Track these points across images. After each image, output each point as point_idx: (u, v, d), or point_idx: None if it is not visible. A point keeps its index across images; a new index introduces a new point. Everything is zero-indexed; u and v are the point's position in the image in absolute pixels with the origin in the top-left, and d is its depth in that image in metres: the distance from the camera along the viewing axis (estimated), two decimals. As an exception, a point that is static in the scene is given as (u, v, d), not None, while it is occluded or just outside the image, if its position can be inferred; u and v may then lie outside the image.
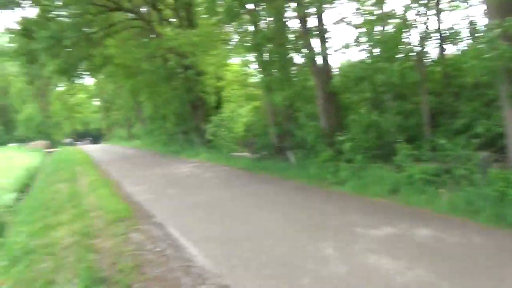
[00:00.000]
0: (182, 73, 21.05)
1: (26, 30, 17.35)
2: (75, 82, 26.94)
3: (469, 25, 10.33)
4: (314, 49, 10.97)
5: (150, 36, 21.98)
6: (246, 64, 17.38)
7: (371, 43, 9.41)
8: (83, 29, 17.79)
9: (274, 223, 6.17)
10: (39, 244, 6.27)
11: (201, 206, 7.73)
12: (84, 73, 21.95)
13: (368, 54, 10.34)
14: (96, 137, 71.22)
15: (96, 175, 13.69)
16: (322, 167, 9.58)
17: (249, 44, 12.22)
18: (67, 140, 61.84)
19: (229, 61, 20.40)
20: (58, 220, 7.64)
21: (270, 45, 11.66)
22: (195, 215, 7.04)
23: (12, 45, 20.31)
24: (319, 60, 11.34)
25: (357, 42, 9.66)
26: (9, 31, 18.84)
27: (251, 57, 15.40)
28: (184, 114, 21.83)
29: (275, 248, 5.09)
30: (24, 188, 15.41)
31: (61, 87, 62.84)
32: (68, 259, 5.39)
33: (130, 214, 7.42)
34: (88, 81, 64.39)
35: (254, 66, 16.22)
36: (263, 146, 14.15)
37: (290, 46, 11.66)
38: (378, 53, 9.76)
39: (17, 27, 18.19)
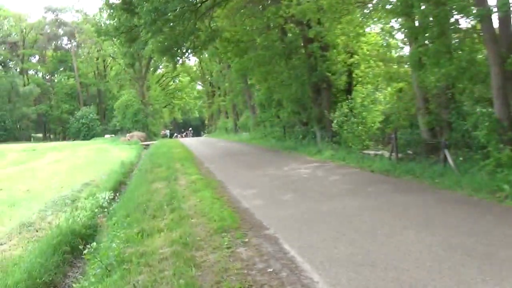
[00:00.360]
0: (303, 48, 21.28)
1: (127, 4, 19.00)
2: (177, 62, 29.05)
3: None
4: (489, 6, 10.07)
5: (266, 2, 22.57)
6: (388, 33, 16.76)
7: None
8: (188, -2, 18.97)
9: (425, 249, 5.85)
10: (134, 252, 6.95)
11: (325, 218, 7.72)
12: (187, 51, 23.41)
13: None
14: (196, 129, 76.62)
15: (197, 174, 14.69)
16: (495, 174, 8.80)
17: (394, 6, 11.78)
18: (165, 132, 67.53)
19: (365, 30, 19.94)
20: (155, 225, 8.38)
21: (424, 5, 11.05)
22: (317, 229, 7.05)
23: (111, 22, 22.52)
24: (495, 22, 10.43)
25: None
26: (109, 6, 20.78)
27: (396, 23, 14.78)
28: (304, 100, 22.10)
29: (429, 285, 4.81)
30: (119, 186, 17.30)
31: (160, 69, 69.11)
32: (166, 272, 5.86)
33: (236, 223, 7.76)
34: (191, 62, 69.93)
35: (400, 36, 15.58)
36: (407, 142, 13.61)
37: (454, 4, 10.86)
38: None
39: (118, 1, 20.04)
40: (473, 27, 11.73)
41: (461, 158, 11.07)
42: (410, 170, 11.57)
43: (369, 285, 4.85)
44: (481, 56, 11.79)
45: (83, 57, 74.34)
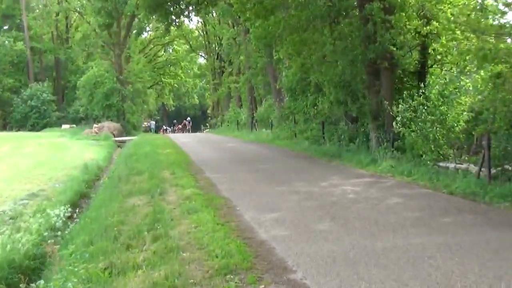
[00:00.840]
0: (358, 9, 21.16)
1: None
2: (172, 23, 29.07)
3: None
4: None
5: None
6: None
7: None
8: None
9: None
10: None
11: (379, 260, 7.64)
12: (187, 8, 23.34)
13: None
14: (194, 121, 76.63)
15: (193, 186, 14.72)
16: None
17: None
18: (149, 123, 67.89)
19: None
20: (129, 259, 8.38)
21: None
22: (368, 277, 6.97)
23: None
24: None
25: None
26: None
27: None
28: (354, 86, 21.93)
29: None
30: (79, 200, 17.41)
31: (147, 33, 69.57)
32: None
33: (248, 261, 7.72)
34: (192, 24, 70.32)
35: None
36: (507, 153, 13.40)
37: None
38: None
39: None
40: None
41: None
42: (509, 195, 11.39)
43: None
44: None
45: (37, 11, 74.22)
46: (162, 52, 77.54)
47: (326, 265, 7.54)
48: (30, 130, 56.74)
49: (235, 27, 48.50)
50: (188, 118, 71.49)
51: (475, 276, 6.91)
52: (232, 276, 7.15)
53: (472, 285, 6.59)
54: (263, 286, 6.86)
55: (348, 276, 7.05)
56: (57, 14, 71.94)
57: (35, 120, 61.29)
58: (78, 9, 65.92)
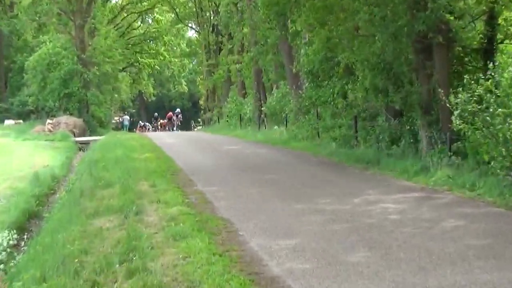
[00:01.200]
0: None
1: None
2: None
3: None
4: None
5: None
6: None
7: None
8: None
9: None
10: None
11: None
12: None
13: None
14: (183, 115, 76.46)
15: (180, 203, 14.64)
16: None
17: None
18: (122, 119, 67.91)
19: None
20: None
21: None
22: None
23: None
24: None
25: None
26: None
27: None
28: (398, 68, 21.87)
29: None
30: (28, 221, 17.38)
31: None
32: None
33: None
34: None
35: None
36: None
37: None
38: None
39: None
40: None
41: None
42: None
43: None
44: None
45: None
46: (139, 23, 77.65)
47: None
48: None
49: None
50: (178, 110, 70.71)
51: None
52: None
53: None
54: None
55: None
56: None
57: (-34, 115, 60.88)
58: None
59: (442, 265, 9.27)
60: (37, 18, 64.85)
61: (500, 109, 16.27)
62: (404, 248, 10.22)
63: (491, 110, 16.32)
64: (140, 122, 72.18)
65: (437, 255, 9.80)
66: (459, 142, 17.91)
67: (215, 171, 21.38)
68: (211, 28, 66.45)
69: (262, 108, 45.17)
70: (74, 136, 46.36)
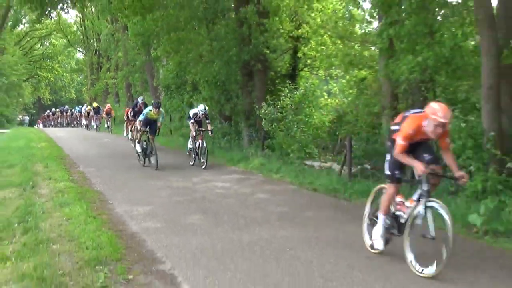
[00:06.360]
0: (234, 11, 21.38)
1: None
2: (49, 16, 28.18)
3: None
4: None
5: None
6: (351, 0, 17.30)
7: None
8: None
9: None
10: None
11: (244, 252, 7.87)
12: (65, 2, 22.77)
13: None
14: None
15: (66, 179, 14.39)
16: (474, 202, 9.42)
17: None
18: (24, 118, 65.25)
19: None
20: (-2, 252, 8.17)
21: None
22: (234, 267, 7.17)
23: None
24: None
25: None
26: None
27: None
28: (229, 86, 22.04)
29: None
30: None
31: (23, 26, 66.87)
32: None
33: (118, 253, 7.70)
34: (69, 16, 68.32)
35: (367, 5, 16.10)
36: (366, 153, 14.03)
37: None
38: None
39: None
40: (464, 2, 12.36)
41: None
42: (365, 191, 11.91)
43: None
44: (471, 43, 12.41)
45: None
46: (39, 46, 74.95)
47: (194, 257, 7.69)
48: None
49: (113, 24, 47.58)
50: (66, 106, 67.35)
51: (331, 265, 7.30)
52: (101, 267, 7.13)
53: (327, 274, 6.95)
54: (132, 276, 6.92)
55: (215, 267, 7.23)
56: None
57: None
58: None
59: (252, 225, 9.58)
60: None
61: (295, 117, 16.91)
62: (227, 213, 10.49)
63: (289, 117, 16.91)
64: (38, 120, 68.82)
65: (249, 218, 10.14)
66: (269, 140, 18.33)
67: (93, 156, 20.98)
68: (94, 51, 64.77)
69: (111, 113, 44.65)
70: (-15, 129, 44.29)
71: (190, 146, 17.75)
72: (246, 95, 21.19)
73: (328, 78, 21.25)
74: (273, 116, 17.66)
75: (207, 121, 17.56)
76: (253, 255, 7.74)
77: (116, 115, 42.21)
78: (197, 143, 17.33)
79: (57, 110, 58.19)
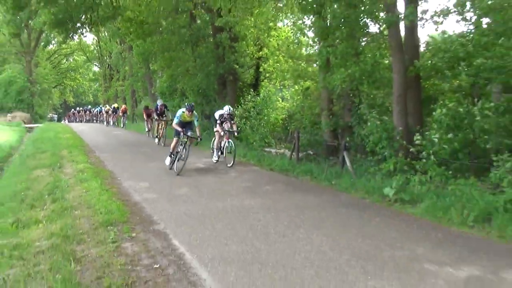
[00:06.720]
0: (212, 37, 21.34)
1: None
2: (71, 39, 27.75)
3: None
4: (398, 13, 10.71)
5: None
6: (300, 29, 17.31)
7: (480, 10, 9.21)
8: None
9: (314, 249, 6.22)
10: (6, 244, 6.66)
11: (218, 215, 7.89)
12: (84, 27, 22.48)
13: (474, 26, 10.13)
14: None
15: (85, 162, 14.18)
16: (387, 179, 9.55)
17: (306, 3, 12.17)
18: (53, 115, 64.09)
19: (277, 25, 20.46)
20: (32, 216, 8.07)
21: (336, 5, 11.56)
22: (211, 227, 7.19)
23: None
24: (402, 30, 11.19)
25: (460, 7, 9.49)
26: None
27: (308, 20, 15.30)
28: (208, 92, 22.05)
29: (315, 283, 5.15)
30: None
31: (53, 45, 65.56)
32: (41, 266, 5.69)
33: (125, 217, 7.70)
34: (88, 39, 67.22)
35: (311, 34, 16.14)
36: (309, 142, 14.14)
37: (365, 8, 11.49)
38: (488, 25, 9.57)
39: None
40: (381, 32, 12.48)
41: (358, 161, 11.79)
42: (309, 171, 12.07)
43: (257, 284, 5.11)
44: (386, 62, 12.55)
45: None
46: (65, 61, 73.40)
47: (181, 219, 7.69)
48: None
49: (121, 44, 46.95)
50: (89, 106, 65.13)
51: (283, 225, 7.35)
52: (112, 227, 7.14)
53: (281, 231, 7.00)
54: (134, 234, 6.90)
55: (197, 226, 7.25)
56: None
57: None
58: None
59: (225, 196, 9.58)
60: (2, 55, 60.21)
61: (258, 116, 16.91)
62: (209, 188, 10.44)
63: (253, 116, 16.91)
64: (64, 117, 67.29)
65: (225, 191, 10.12)
66: (240, 133, 18.30)
67: (107, 145, 20.67)
68: (107, 66, 63.60)
69: (134, 111, 44.24)
70: (24, 123, 43.47)
71: (214, 146, 14.88)
72: (221, 99, 21.14)
73: (281, 87, 21.28)
74: (242, 115, 17.65)
75: (232, 121, 14.47)
76: (225, 218, 7.76)
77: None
78: (223, 142, 14.21)
79: (80, 109, 56.92)
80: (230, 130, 14.12)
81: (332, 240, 6.58)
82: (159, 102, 20.54)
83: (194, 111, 12.84)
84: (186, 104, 13.06)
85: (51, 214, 8.07)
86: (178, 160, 12.38)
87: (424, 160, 9.26)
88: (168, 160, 12.73)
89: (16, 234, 7.20)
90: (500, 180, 7.54)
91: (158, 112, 19.84)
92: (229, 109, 14.46)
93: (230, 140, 13.87)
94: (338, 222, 7.59)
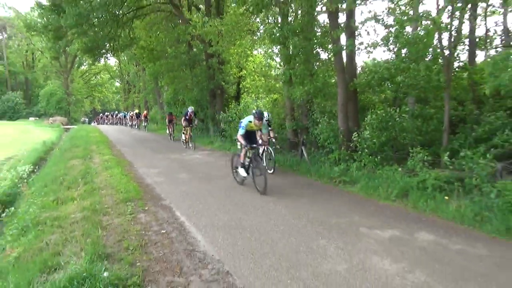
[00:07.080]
0: (205, 61, 21.18)
1: (55, 6, 17.63)
2: (99, 61, 27.37)
3: (502, 32, 10.15)
4: (341, 45, 10.84)
5: (177, 21, 22.25)
6: (270, 56, 17.33)
7: (400, 44, 9.34)
8: (111, 9, 18.01)
9: (280, 217, 6.28)
10: (49, 216, 6.55)
11: (206, 192, 7.87)
12: (108, 53, 22.26)
13: (395, 55, 10.28)
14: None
15: (110, 154, 13.96)
16: (334, 167, 9.64)
17: (275, 36, 12.15)
18: (84, 119, 62.89)
19: (253, 52, 20.38)
20: (69, 195, 7.93)
21: (296, 38, 11.60)
22: (203, 200, 7.17)
23: (41, 20, 20.58)
24: (344, 57, 11.28)
25: (386, 41, 9.59)
26: (39, 6, 19.13)
27: (275, 49, 15.32)
28: (202, 102, 21.91)
29: (281, 242, 5.19)
30: (39, 161, 15.96)
31: (84, 66, 64.34)
32: (76, 233, 5.63)
33: (139, 195, 7.63)
34: (111, 61, 66.03)
35: (278, 59, 16.16)
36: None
37: (317, 40, 11.58)
38: (406, 54, 9.71)
39: (47, 2, 18.56)
40: (329, 58, 12.56)
41: (312, 153, 11.87)
42: (276, 160, 12.08)
43: (238, 243, 5.14)
44: (333, 80, 12.62)
45: (13, 48, 65.81)
46: (93, 78, 71.95)
47: (181, 197, 7.66)
48: (7, 120, 50.30)
49: (137, 66, 46.29)
50: (116, 112, 62.98)
51: (259, 200, 7.36)
52: (130, 203, 7.08)
53: (257, 205, 7.00)
54: (147, 207, 6.85)
55: (193, 201, 7.24)
56: (26, 51, 64.10)
57: (11, 114, 53.94)
58: (40, 49, 58.77)
59: (215, 179, 9.51)
60: (45, 73, 59.07)
61: (238, 119, 16.77)
62: (201, 174, 10.32)
63: (235, 120, 16.82)
64: (93, 120, 66.08)
65: (213, 175, 10.03)
66: (224, 132, 18.15)
67: (128, 142, 20.38)
68: (126, 82, 62.62)
69: (148, 116, 43.58)
70: (63, 125, 42.56)
71: (237, 160, 10.44)
72: (212, 107, 20.98)
73: (257, 98, 21.21)
74: (227, 119, 17.54)
75: (269, 128, 10.44)
76: (214, 195, 7.75)
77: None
78: (261, 149, 10.25)
79: (108, 113, 55.86)
80: (269, 137, 10.41)
81: (294, 211, 6.64)
82: (190, 109, 17.19)
83: (264, 119, 8.60)
84: (254, 111, 8.28)
85: (83, 193, 7.95)
86: (253, 177, 8.19)
87: (360, 152, 9.38)
88: (242, 172, 8.49)
89: (56, 208, 7.09)
90: (414, 166, 7.71)
91: (187, 117, 16.97)
92: (268, 115, 10.72)
93: (269, 147, 10.62)
94: (297, 197, 7.65)
